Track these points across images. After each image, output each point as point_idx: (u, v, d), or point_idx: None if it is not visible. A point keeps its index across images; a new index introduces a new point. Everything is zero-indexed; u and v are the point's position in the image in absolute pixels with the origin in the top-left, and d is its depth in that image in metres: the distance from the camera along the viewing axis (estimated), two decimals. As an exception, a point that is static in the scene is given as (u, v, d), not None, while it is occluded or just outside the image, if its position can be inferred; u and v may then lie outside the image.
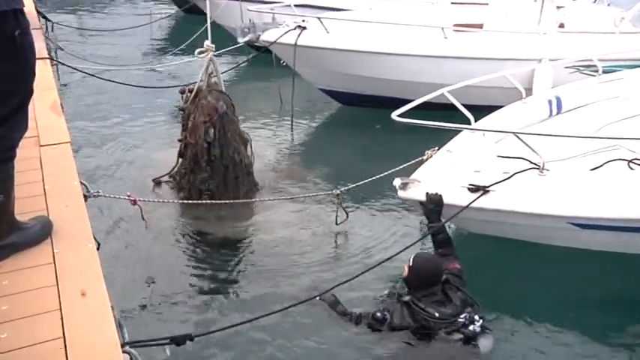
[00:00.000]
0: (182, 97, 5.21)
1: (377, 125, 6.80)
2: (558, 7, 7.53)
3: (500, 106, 5.18)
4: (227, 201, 4.85)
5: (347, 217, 4.82)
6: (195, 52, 5.11)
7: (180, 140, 5.28)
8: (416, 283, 3.50)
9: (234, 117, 5.13)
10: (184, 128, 5.16)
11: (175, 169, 5.38)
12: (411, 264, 3.52)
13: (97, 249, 2.53)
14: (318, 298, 3.68)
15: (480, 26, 7.81)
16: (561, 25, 7.74)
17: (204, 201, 4.84)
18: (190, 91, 5.09)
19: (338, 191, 4.71)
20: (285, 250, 4.58)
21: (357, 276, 3.57)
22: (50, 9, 12.55)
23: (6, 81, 2.16)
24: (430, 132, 4.02)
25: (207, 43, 5.03)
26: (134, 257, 4.44)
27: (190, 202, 4.89)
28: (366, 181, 4.68)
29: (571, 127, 4.76)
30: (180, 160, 5.31)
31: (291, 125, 7.08)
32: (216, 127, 4.93)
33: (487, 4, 8.20)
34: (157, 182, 5.41)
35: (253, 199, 5.16)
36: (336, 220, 4.79)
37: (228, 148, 5.03)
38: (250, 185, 5.31)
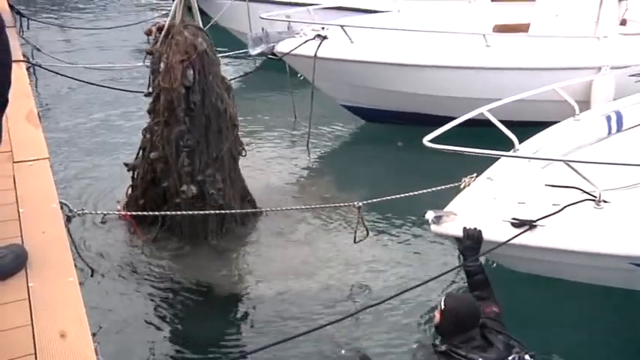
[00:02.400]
0: (148, 38, 5.03)
1: (399, 143, 6.88)
2: (620, 1, 7.32)
3: (551, 122, 5.21)
4: (231, 211, 4.93)
5: (367, 233, 4.83)
6: None
7: (148, 94, 5.05)
8: (452, 329, 3.48)
9: (215, 57, 4.96)
10: (154, 75, 4.92)
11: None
12: (442, 307, 3.51)
13: (91, 275, 2.56)
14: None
15: (526, 28, 7.83)
16: (623, 23, 7.69)
17: (210, 211, 4.82)
18: (160, 29, 4.87)
19: (360, 204, 4.66)
20: (297, 271, 4.72)
21: (373, 305, 3.69)
22: (23, 2, 12.70)
23: None
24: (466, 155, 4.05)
25: None
26: (124, 287, 4.53)
27: (195, 212, 4.76)
28: (390, 197, 4.70)
29: (634, 149, 4.75)
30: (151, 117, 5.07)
31: (307, 145, 7.15)
32: (196, 67, 4.71)
33: (534, 0, 8.16)
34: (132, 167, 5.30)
35: (261, 209, 5.20)
36: (355, 237, 4.79)
37: (210, 94, 4.85)
38: (235, 141, 5.18)
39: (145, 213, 4.64)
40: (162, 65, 4.73)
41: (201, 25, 5.04)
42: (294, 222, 5.37)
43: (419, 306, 4.36)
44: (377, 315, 4.17)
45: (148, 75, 5.01)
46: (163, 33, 4.81)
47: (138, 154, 5.20)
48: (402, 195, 4.67)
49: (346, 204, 4.92)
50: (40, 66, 7.15)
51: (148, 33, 5.02)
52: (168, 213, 4.74)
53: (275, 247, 5.08)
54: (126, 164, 5.29)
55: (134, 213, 4.19)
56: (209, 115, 4.85)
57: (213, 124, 4.89)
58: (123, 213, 3.93)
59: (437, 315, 3.56)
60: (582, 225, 3.85)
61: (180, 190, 4.81)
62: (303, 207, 5.22)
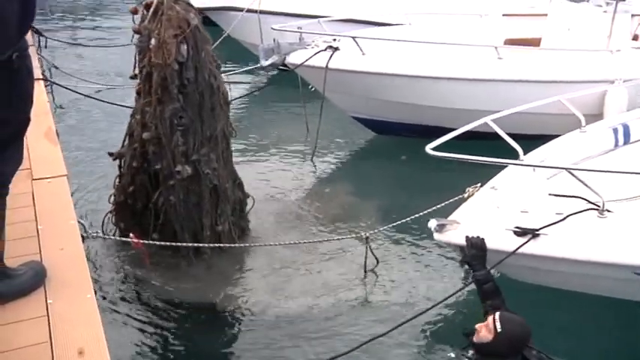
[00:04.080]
0: (134, 17, 4.90)
1: (403, 157, 6.99)
2: (633, 16, 7.49)
3: (558, 135, 5.30)
4: (239, 244, 4.96)
5: (377, 262, 4.99)
6: None
7: (136, 75, 4.94)
8: (505, 350, 3.45)
9: (206, 34, 4.90)
10: (143, 54, 4.79)
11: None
12: (498, 329, 3.44)
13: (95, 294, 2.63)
14: None
15: (538, 42, 7.95)
16: (635, 38, 7.78)
17: (217, 244, 4.91)
18: (148, 7, 4.72)
19: (367, 234, 4.87)
20: (307, 301, 4.71)
21: (390, 330, 3.73)
22: (41, 20, 12.89)
23: (2, 108, 2.19)
24: (471, 165, 4.17)
25: None
26: (124, 307, 4.60)
27: (200, 245, 4.91)
28: (398, 222, 4.83)
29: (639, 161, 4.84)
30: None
31: (312, 158, 7.27)
32: (189, 43, 4.65)
33: (545, 15, 8.26)
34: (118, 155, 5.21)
35: (268, 244, 5.14)
36: (365, 266, 4.95)
37: (203, 70, 4.76)
38: (227, 120, 5.12)
39: (156, 242, 4.65)
40: (153, 41, 4.64)
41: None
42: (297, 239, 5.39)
43: (437, 326, 4.43)
44: (394, 338, 4.19)
45: (134, 56, 4.92)
46: (152, 10, 4.69)
47: (124, 141, 5.15)
48: (409, 218, 4.81)
49: (353, 235, 5.07)
50: (58, 84, 7.32)
51: (134, 11, 4.84)
52: (180, 244, 4.77)
53: (277, 268, 5.11)
54: (110, 153, 5.23)
55: (146, 241, 4.28)
56: (202, 92, 4.80)
57: (206, 101, 4.84)
58: (135, 240, 4.04)
59: (485, 333, 3.50)
60: (585, 234, 3.93)
61: (175, 170, 4.78)
62: (307, 241, 5.21)
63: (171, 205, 4.90)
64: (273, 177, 6.79)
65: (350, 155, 7.78)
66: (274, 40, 7.17)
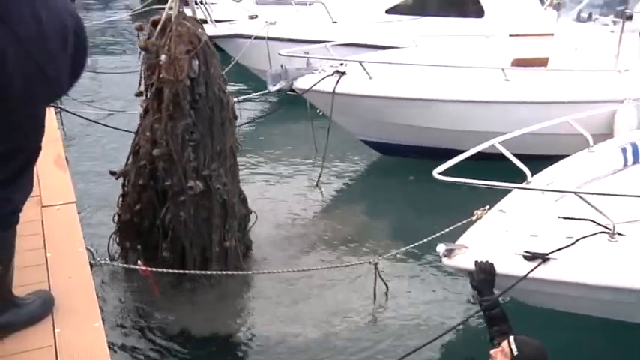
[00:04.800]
0: (139, 34, 4.93)
1: (410, 177, 7.01)
2: None
3: (567, 155, 5.30)
4: (246, 272, 4.97)
5: (387, 288, 4.99)
6: None
7: (142, 92, 4.95)
8: None
9: (214, 49, 4.94)
10: (151, 71, 4.81)
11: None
12: (515, 352, 3.34)
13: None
14: None
15: (545, 62, 7.97)
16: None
17: (227, 271, 4.89)
18: (155, 24, 4.74)
19: (376, 260, 4.86)
20: (317, 329, 4.70)
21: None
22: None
23: (12, 137, 2.17)
24: (479, 187, 4.15)
25: None
26: (132, 334, 4.60)
27: (209, 272, 4.87)
28: (406, 248, 4.83)
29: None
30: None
31: (318, 181, 7.26)
32: (200, 58, 4.69)
33: (552, 34, 8.30)
34: (122, 173, 5.19)
35: (277, 271, 5.12)
36: (375, 292, 4.94)
37: (213, 85, 4.81)
38: (234, 135, 5.16)
39: (166, 270, 4.60)
40: (163, 58, 4.65)
41: (197, 16, 5.02)
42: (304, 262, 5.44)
43: (445, 353, 4.41)
44: None
45: (140, 73, 4.93)
46: (160, 26, 4.73)
47: (128, 159, 5.16)
48: (417, 243, 4.80)
49: (362, 261, 5.05)
50: (67, 111, 7.37)
51: (140, 28, 4.89)
52: (189, 272, 4.73)
53: (285, 293, 5.11)
54: (112, 172, 5.23)
55: (154, 269, 4.28)
56: (213, 107, 4.84)
57: (216, 116, 4.87)
58: (143, 268, 4.05)
59: (501, 358, 3.40)
60: (596, 258, 3.90)
61: (188, 186, 4.79)
62: (315, 268, 5.16)
63: (180, 222, 4.91)
64: (280, 198, 6.86)
65: (357, 177, 7.81)
66: (282, 66, 7.26)
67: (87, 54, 1.20)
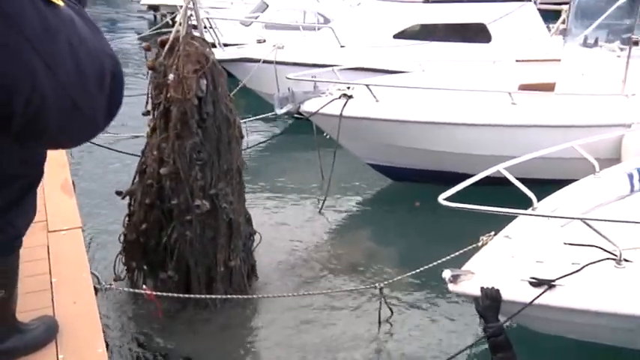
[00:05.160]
0: (146, 54, 4.99)
1: (416, 203, 7.00)
2: None
3: (573, 180, 5.29)
4: (250, 296, 4.95)
5: (392, 313, 4.98)
6: None
7: (149, 111, 4.96)
8: None
9: (221, 69, 4.95)
10: (159, 90, 4.82)
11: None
12: None
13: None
14: None
15: (551, 87, 7.99)
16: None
17: (231, 294, 4.89)
18: (163, 44, 4.76)
19: (381, 285, 4.85)
20: (320, 356, 4.67)
21: None
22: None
23: (14, 164, 2.15)
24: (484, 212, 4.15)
25: None
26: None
27: (212, 296, 4.87)
28: (412, 273, 4.82)
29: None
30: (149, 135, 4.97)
31: (324, 202, 7.24)
32: (208, 77, 4.74)
33: (559, 60, 8.34)
34: (128, 193, 5.17)
35: (282, 295, 5.12)
36: (379, 318, 4.93)
37: (220, 104, 4.84)
38: (240, 154, 5.15)
39: (172, 294, 4.61)
40: (171, 77, 4.68)
41: (204, 36, 5.05)
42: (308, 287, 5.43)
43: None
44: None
45: (147, 92, 4.96)
46: (167, 46, 4.76)
47: (134, 179, 5.16)
48: (423, 268, 4.80)
49: (367, 286, 5.05)
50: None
51: (147, 48, 4.98)
52: (194, 296, 4.72)
53: (290, 318, 5.09)
54: (118, 192, 5.23)
55: (159, 293, 4.29)
56: (220, 126, 4.85)
57: (223, 135, 4.88)
58: (148, 292, 4.07)
59: None
60: (603, 285, 3.87)
61: (195, 205, 4.79)
62: (320, 292, 5.20)
63: (186, 241, 4.90)
64: (285, 222, 6.87)
65: (363, 202, 7.80)
66: (289, 89, 7.28)
67: (122, 95, 1.23)
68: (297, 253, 6.16)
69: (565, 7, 10.47)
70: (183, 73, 4.63)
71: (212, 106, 4.76)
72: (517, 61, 8.89)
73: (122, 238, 5.21)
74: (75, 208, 4.15)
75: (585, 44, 8.15)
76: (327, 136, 7.43)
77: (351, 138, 7.26)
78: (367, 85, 7.03)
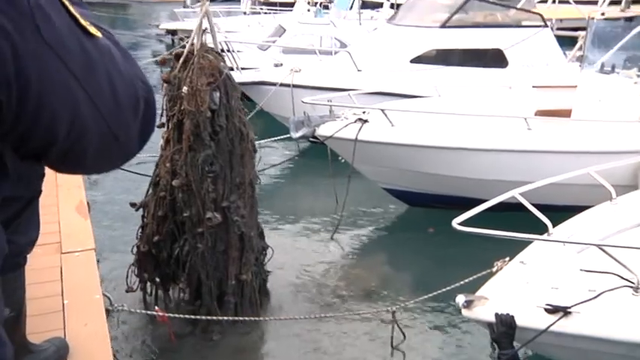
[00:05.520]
0: (161, 67, 5.02)
1: (430, 229, 6.97)
2: None
3: (589, 206, 5.24)
4: (262, 318, 4.92)
5: (404, 337, 4.92)
6: (188, 1, 4.92)
7: (163, 124, 4.98)
8: None
9: (235, 82, 4.98)
10: (173, 102, 4.86)
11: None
12: None
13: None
14: None
15: (568, 113, 7.96)
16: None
17: (243, 314, 4.87)
18: (178, 56, 4.81)
19: (394, 309, 4.82)
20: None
21: None
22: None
23: (10, 186, 2.23)
24: (499, 237, 4.12)
25: None
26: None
27: (221, 318, 4.86)
28: (425, 297, 4.78)
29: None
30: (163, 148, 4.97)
31: (336, 226, 7.22)
32: (221, 90, 4.77)
33: (575, 86, 8.32)
34: (142, 204, 5.18)
35: (294, 317, 5.09)
36: (392, 341, 4.87)
37: (234, 117, 4.87)
38: (253, 167, 5.16)
39: (180, 315, 4.62)
40: (185, 90, 4.71)
41: (218, 49, 5.10)
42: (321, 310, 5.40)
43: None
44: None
45: (162, 105, 5.00)
46: (182, 59, 4.81)
47: (148, 191, 5.17)
48: (436, 293, 4.79)
49: (379, 309, 5.02)
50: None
51: (162, 62, 5.03)
52: (205, 317, 4.72)
53: (302, 341, 5.06)
54: (132, 204, 5.25)
55: (171, 315, 4.29)
56: (233, 139, 4.86)
57: (236, 148, 4.89)
58: (160, 314, 4.07)
59: None
60: (620, 312, 3.83)
61: (206, 217, 4.77)
62: (332, 314, 5.18)
63: (197, 253, 4.90)
64: (299, 245, 6.88)
65: (378, 226, 7.77)
66: (304, 113, 7.31)
67: (155, 121, 1.28)
68: (310, 275, 6.14)
69: (582, 34, 10.44)
70: (196, 86, 4.68)
71: (225, 118, 4.79)
72: (534, 86, 8.85)
73: (135, 249, 5.21)
74: (89, 229, 4.18)
75: (602, 71, 8.11)
76: (343, 160, 7.43)
77: (367, 162, 7.25)
78: (382, 110, 7.03)
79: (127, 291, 5.00)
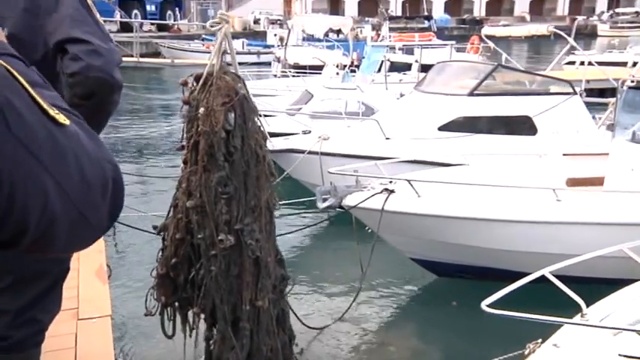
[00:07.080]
0: (183, 89, 5.03)
1: (453, 302, 6.79)
2: None
3: (624, 280, 5.05)
4: None
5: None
6: (207, 23, 4.83)
7: (183, 146, 4.89)
8: None
9: (254, 105, 4.87)
10: (191, 124, 4.76)
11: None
12: None
13: None
14: None
15: (600, 182, 7.80)
16: None
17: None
18: (198, 78, 4.78)
19: None
20: None
21: None
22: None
23: (40, 260, 2.18)
24: (530, 319, 3.97)
25: (222, 11, 4.85)
26: None
27: None
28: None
29: None
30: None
31: (356, 296, 6.95)
32: (237, 111, 4.66)
33: (607, 154, 8.18)
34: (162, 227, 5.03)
35: None
36: None
37: (250, 139, 4.74)
38: (271, 192, 5.00)
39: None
40: (201, 110, 4.63)
41: (239, 72, 5.01)
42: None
43: None
44: None
45: (183, 127, 4.93)
46: (201, 81, 4.73)
47: (168, 213, 5.04)
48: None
49: None
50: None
51: (184, 84, 5.04)
52: None
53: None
54: (155, 227, 5.13)
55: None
56: (248, 161, 4.74)
57: (252, 170, 4.77)
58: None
59: None
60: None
61: (218, 239, 4.64)
62: None
63: (211, 277, 4.76)
64: (320, 309, 6.81)
65: (403, 297, 7.61)
66: (331, 183, 7.34)
67: (123, 199, 1.29)
68: (328, 344, 5.96)
69: (612, 100, 10.35)
70: (212, 106, 4.61)
71: (240, 140, 4.68)
72: (564, 154, 8.73)
73: (154, 272, 5.04)
74: (107, 295, 4.16)
75: (634, 139, 7.98)
76: (369, 230, 7.35)
77: (393, 232, 7.18)
78: (409, 181, 6.98)
79: (145, 315, 4.88)
